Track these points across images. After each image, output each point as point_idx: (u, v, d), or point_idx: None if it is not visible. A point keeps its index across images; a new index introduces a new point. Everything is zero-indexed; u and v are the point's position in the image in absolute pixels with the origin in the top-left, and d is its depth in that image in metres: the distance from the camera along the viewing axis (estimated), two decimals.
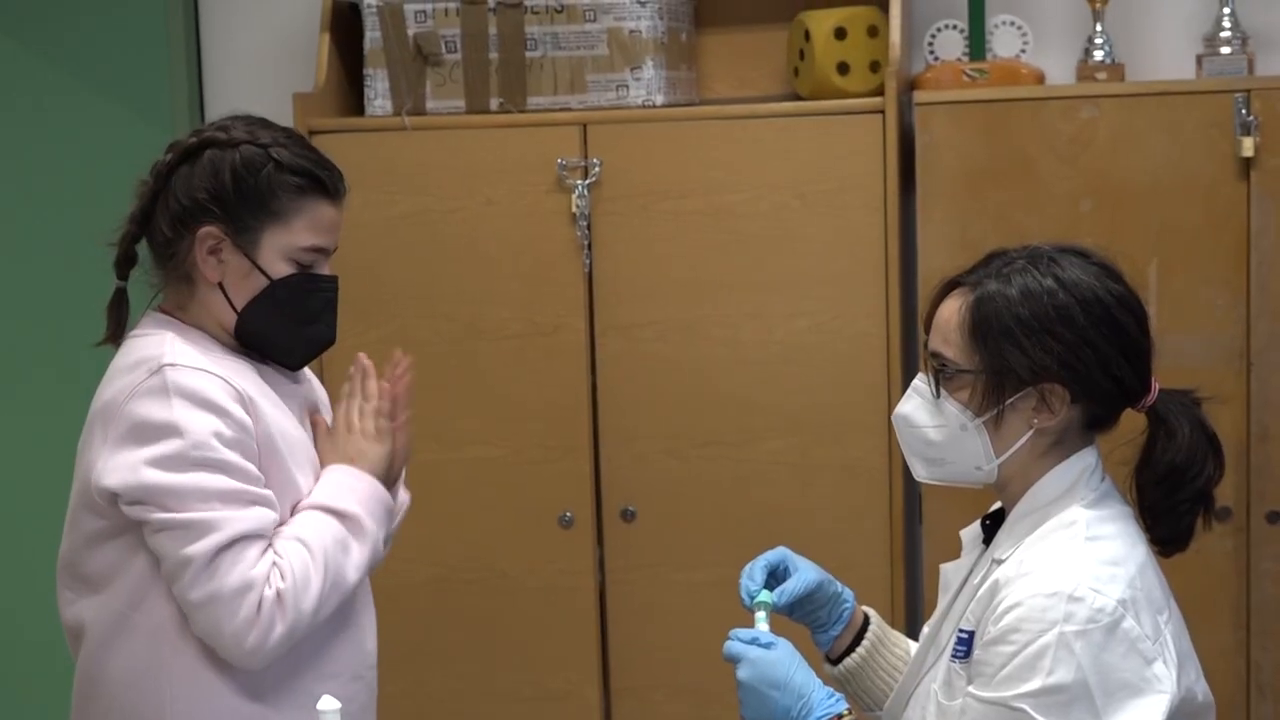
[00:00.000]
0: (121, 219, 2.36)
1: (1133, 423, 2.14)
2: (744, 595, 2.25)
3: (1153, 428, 2.12)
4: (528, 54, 3.60)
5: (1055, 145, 3.43)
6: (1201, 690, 2.10)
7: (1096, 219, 3.42)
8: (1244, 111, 3.35)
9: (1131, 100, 3.44)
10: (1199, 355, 3.40)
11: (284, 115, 3.47)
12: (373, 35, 3.65)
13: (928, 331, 2.16)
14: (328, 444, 2.39)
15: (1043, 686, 1.96)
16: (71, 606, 2.33)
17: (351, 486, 2.33)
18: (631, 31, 3.54)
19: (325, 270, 2.37)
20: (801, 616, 2.34)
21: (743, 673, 2.09)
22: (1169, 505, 2.11)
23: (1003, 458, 2.11)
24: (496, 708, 3.69)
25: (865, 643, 2.34)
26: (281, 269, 2.31)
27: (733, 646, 2.12)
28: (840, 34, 3.60)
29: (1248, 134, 3.35)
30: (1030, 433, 2.09)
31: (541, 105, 3.61)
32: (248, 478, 2.23)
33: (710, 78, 3.93)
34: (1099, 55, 3.66)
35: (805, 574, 2.29)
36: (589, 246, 3.57)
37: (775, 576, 2.29)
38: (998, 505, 2.22)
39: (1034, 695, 1.96)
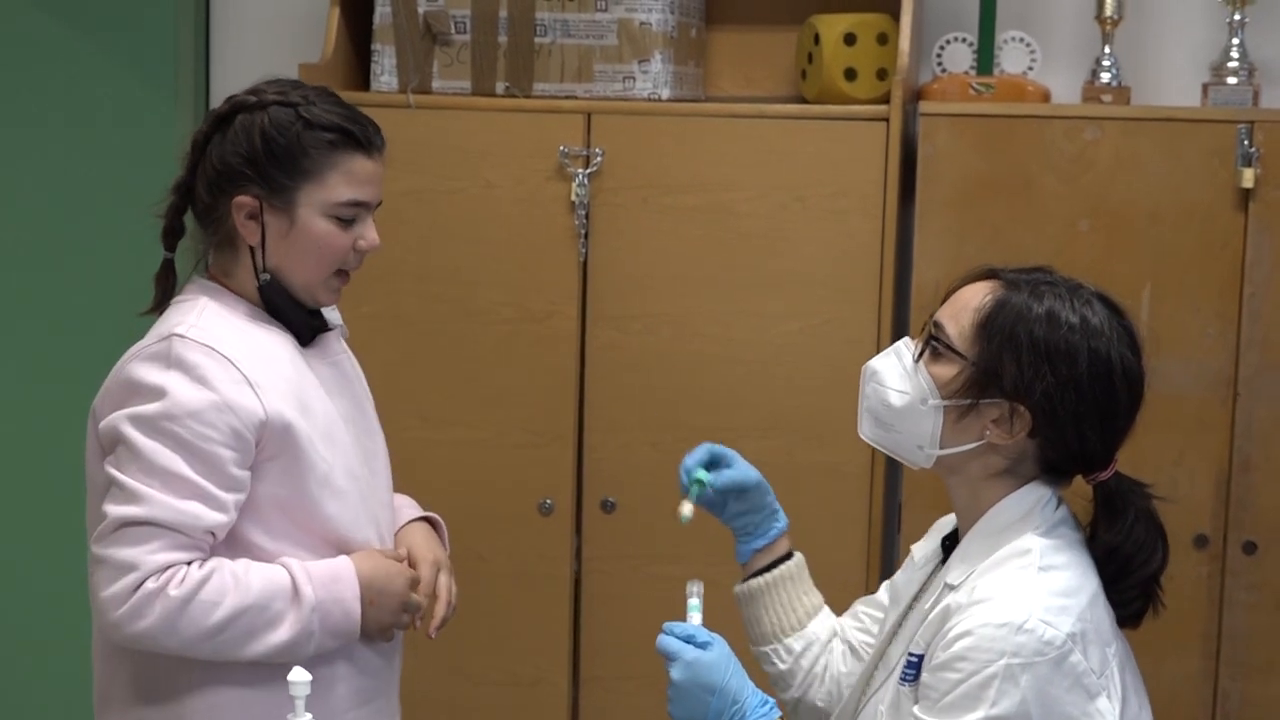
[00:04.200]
0: (165, 190, 2.40)
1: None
2: (682, 473, 2.26)
3: (1098, 506, 2.11)
4: (537, 40, 3.60)
5: (1056, 164, 3.43)
6: None
7: (1093, 240, 3.43)
8: (1246, 143, 3.36)
9: (1135, 124, 3.44)
10: (1187, 382, 3.40)
11: None
12: (383, 10, 3.65)
13: (944, 302, 2.16)
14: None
15: (985, 717, 1.96)
16: None
17: (338, 582, 2.31)
18: (642, 23, 3.55)
19: (369, 225, 2.38)
20: (730, 518, 2.35)
21: (676, 673, 2.05)
22: (1116, 590, 2.10)
23: (944, 451, 2.11)
24: (466, 690, 3.69)
25: (776, 572, 2.36)
26: (321, 226, 2.33)
27: (667, 643, 2.07)
28: (850, 39, 3.60)
29: (1249, 165, 3.35)
30: (979, 443, 2.10)
31: (547, 92, 3.61)
32: (207, 469, 2.22)
33: (717, 75, 3.93)
34: (1106, 77, 3.66)
35: (745, 469, 2.33)
36: (586, 236, 3.57)
37: (714, 469, 2.34)
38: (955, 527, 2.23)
39: None
